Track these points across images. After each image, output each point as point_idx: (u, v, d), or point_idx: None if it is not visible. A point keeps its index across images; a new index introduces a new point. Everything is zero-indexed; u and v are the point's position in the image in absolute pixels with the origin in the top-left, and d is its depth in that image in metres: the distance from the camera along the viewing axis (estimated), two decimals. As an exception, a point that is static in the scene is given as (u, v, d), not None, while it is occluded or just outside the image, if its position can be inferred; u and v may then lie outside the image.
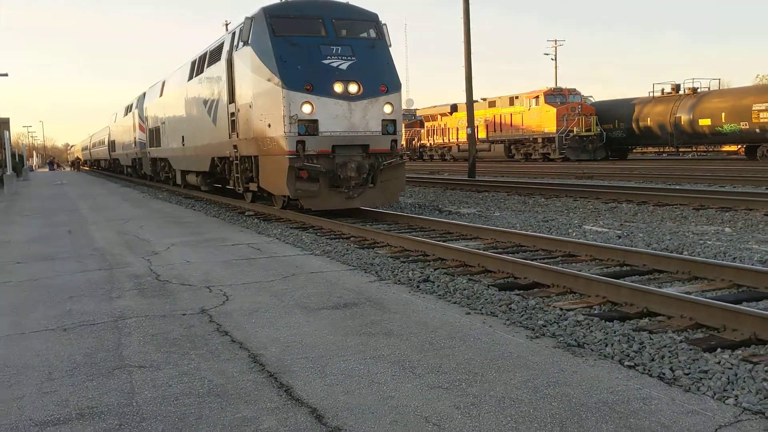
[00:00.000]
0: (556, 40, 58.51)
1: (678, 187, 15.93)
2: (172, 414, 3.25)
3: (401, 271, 6.80)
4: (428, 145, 46.78)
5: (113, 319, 5.09)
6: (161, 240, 9.57)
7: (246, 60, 12.49)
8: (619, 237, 8.83)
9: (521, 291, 5.94)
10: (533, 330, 4.57)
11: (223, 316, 5.11)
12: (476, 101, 39.66)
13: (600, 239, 8.68)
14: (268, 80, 11.65)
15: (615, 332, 4.44)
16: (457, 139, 42.19)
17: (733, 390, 3.44)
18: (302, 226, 11.28)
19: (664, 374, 3.67)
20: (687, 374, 3.67)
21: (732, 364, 3.79)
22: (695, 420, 3.06)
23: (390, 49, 12.46)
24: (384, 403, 3.30)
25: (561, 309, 5.12)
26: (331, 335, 4.53)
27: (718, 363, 3.83)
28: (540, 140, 35.84)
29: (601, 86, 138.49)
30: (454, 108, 43.30)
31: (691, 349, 4.06)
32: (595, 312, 5.11)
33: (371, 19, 12.57)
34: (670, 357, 3.93)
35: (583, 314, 4.95)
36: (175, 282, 6.48)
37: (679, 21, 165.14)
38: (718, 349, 4.08)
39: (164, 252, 8.43)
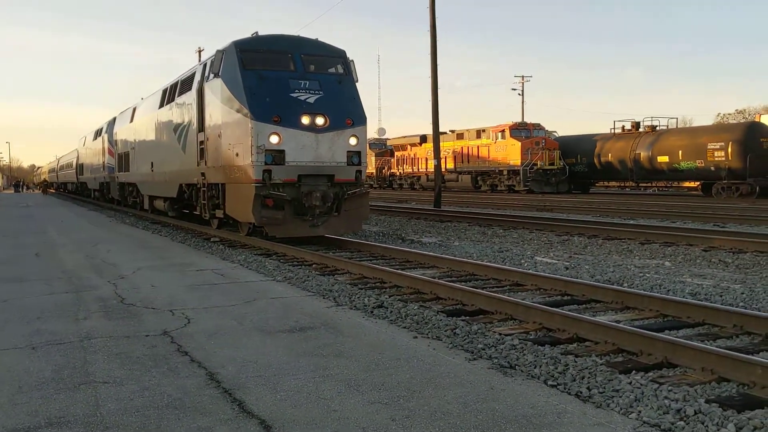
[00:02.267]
0: (523, 76, 60.10)
1: (630, 221, 16.48)
2: (134, 423, 3.51)
3: (358, 297, 7.09)
4: (398, 174, 47.31)
5: (80, 338, 5.30)
6: (128, 264, 9.69)
7: (216, 91, 12.79)
8: (567, 268, 9.20)
9: (467, 317, 6.27)
10: (472, 353, 4.91)
11: (184, 337, 5.36)
12: (444, 133, 40.45)
13: (548, 270, 9.05)
14: (237, 111, 11.93)
15: (545, 355, 4.83)
16: (426, 168, 42.84)
17: (638, 406, 3.82)
18: (266, 253, 11.43)
19: (581, 392, 4.05)
20: (601, 392, 4.05)
21: (641, 384, 4.17)
22: (600, 430, 3.46)
23: (357, 84, 12.85)
24: (328, 416, 3.61)
25: (500, 334, 5.49)
26: (285, 356, 4.81)
27: (630, 383, 4.19)
28: (505, 172, 36.59)
29: (565, 121, 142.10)
30: (423, 139, 44.03)
31: (608, 371, 4.43)
32: (530, 337, 5.49)
33: (339, 55, 12.94)
34: (589, 377, 4.30)
35: (519, 339, 5.32)
36: (139, 305, 6.69)
37: (642, 59, 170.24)
38: (633, 371, 4.45)
39: (131, 276, 8.58)
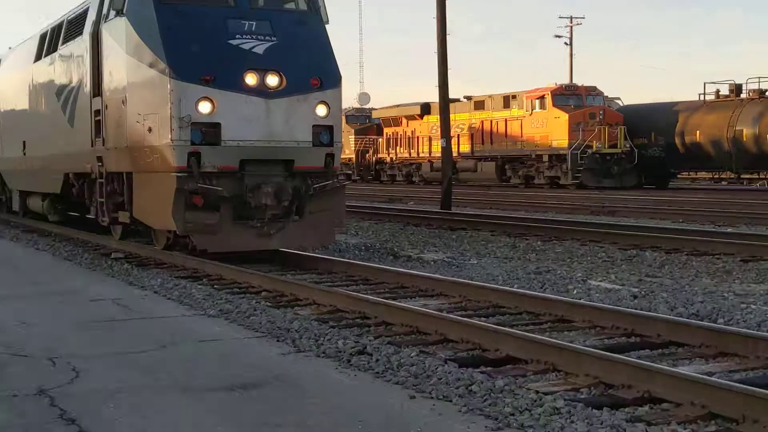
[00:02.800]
0: (571, 18, 60.37)
1: (728, 230, 16.78)
2: None
3: (328, 340, 7.14)
4: (388, 160, 47.71)
5: None
6: (-16, 293, 9.67)
7: (119, 36, 12.77)
8: (635, 297, 9.29)
9: (489, 368, 6.31)
10: (496, 419, 4.93)
11: (69, 398, 5.32)
12: (457, 100, 40.53)
13: (607, 300, 9.11)
14: (150, 65, 11.94)
15: (603, 423, 4.83)
16: (430, 152, 43.08)
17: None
18: (193, 275, 11.51)
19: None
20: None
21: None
22: None
23: (327, 27, 12.85)
24: None
25: (537, 392, 5.48)
26: (220, 426, 4.80)
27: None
28: (546, 158, 36.90)
29: (631, 84, 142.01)
30: (425, 109, 44.20)
31: (697, 447, 4.48)
32: (582, 397, 5.49)
33: (301, -16, 13.03)
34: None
35: (566, 399, 5.32)
36: (3, 352, 6.64)
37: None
38: (733, 448, 4.50)
39: (-11, 310, 8.56)
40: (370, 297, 8.94)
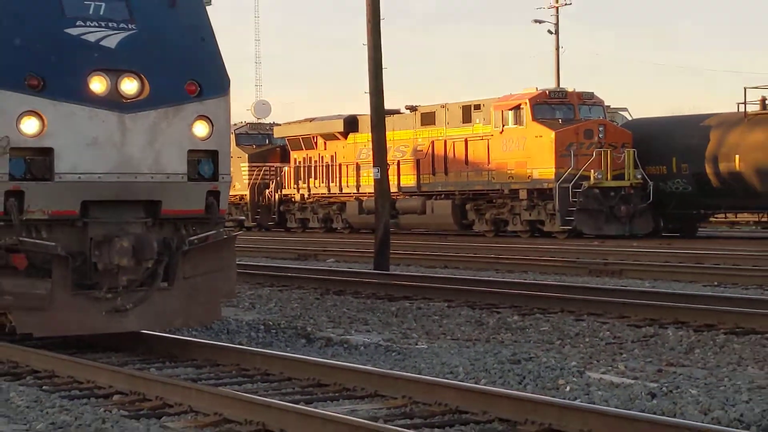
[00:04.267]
0: None
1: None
2: None
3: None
4: (298, 197, 47.51)
5: None
6: None
7: None
8: (654, 396, 9.13)
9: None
10: None
11: None
12: (396, 112, 40.88)
13: (614, 400, 8.98)
14: (-48, 66, 11.73)
15: None
16: (358, 187, 42.89)
17: None
18: (12, 371, 11.35)
19: None
20: None
21: None
22: None
23: (209, 9, 12.87)
24: None
25: None
26: None
27: None
28: (524, 194, 36.59)
29: (642, 89, 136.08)
30: (351, 124, 43.95)
31: None
32: None
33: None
34: None
35: None
36: None
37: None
38: None
39: None
40: (273, 401, 8.68)
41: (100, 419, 8.49)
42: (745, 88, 34.24)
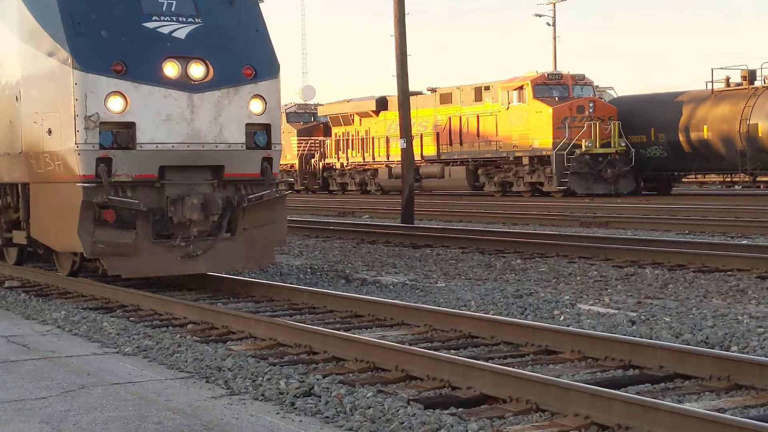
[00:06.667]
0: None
1: (742, 242, 17.09)
2: None
3: (268, 380, 7.19)
4: (338, 165, 48.14)
5: None
6: None
7: (11, 19, 12.74)
8: (633, 323, 9.45)
9: (460, 409, 6.37)
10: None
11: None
12: (419, 93, 40.65)
13: (600, 326, 9.26)
14: (50, 54, 11.96)
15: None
16: (388, 156, 43.55)
17: None
18: (105, 306, 11.57)
19: None
20: None
21: None
22: None
23: (262, 5, 13.11)
24: None
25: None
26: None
27: None
28: (526, 161, 37.34)
29: (627, 71, 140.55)
30: (382, 104, 44.63)
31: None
32: (571, 442, 5.57)
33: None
34: None
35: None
36: None
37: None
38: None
39: None
40: (318, 328, 9.04)
41: (176, 344, 8.77)
42: (712, 69, 35.52)
